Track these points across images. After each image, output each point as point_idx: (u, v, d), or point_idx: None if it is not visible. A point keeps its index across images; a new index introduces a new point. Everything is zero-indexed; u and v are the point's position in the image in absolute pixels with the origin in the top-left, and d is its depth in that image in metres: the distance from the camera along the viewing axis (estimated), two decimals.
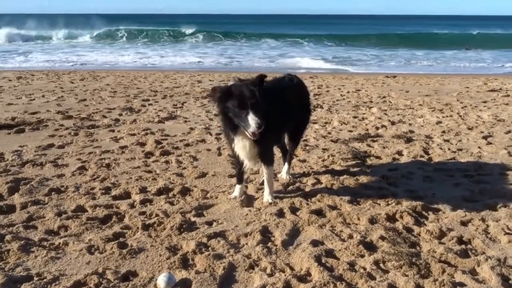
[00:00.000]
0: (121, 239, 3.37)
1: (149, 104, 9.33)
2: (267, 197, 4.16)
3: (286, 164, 4.85)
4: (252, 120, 3.46)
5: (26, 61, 21.15)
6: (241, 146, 3.85)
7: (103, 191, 4.35)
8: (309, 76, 15.16)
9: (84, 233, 3.47)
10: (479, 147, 6.11)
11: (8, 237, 3.31)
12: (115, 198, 4.22)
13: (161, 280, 2.74)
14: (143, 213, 3.86)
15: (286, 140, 4.73)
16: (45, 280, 2.79)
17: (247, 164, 4.03)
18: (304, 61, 22.13)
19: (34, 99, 9.67)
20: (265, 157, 4.04)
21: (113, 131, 6.94)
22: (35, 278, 2.82)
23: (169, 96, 10.41)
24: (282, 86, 4.44)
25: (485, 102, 9.99)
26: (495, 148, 6.05)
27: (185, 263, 3.04)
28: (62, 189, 4.41)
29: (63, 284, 2.75)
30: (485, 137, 6.67)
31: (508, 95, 10.93)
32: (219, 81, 13.55)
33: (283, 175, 4.82)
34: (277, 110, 3.91)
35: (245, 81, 3.77)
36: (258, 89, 3.58)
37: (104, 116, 8.00)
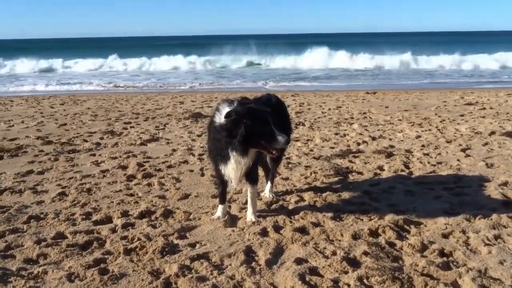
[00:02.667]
0: (102, 265, 3.30)
1: (130, 127, 9.28)
2: (250, 216, 4.16)
3: (269, 182, 4.87)
4: (281, 137, 3.68)
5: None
6: (235, 167, 3.82)
7: (84, 217, 4.28)
8: (291, 94, 15.34)
9: (64, 261, 3.40)
10: (458, 160, 6.23)
11: None
12: (96, 223, 4.15)
13: None
14: (124, 237, 3.80)
15: (268, 159, 4.75)
16: None
17: (233, 184, 4.03)
18: None
19: (13, 125, 9.54)
20: (251, 176, 4.10)
21: (94, 155, 6.87)
22: None
23: (151, 118, 10.39)
24: (263, 106, 4.47)
25: (462, 115, 10.22)
26: (473, 160, 6.18)
27: (168, 287, 3.00)
28: (42, 216, 4.32)
29: None
30: (463, 150, 6.81)
31: (484, 108, 11.22)
32: (201, 101, 13.60)
33: (266, 193, 4.83)
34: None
35: (250, 102, 3.99)
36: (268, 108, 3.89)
37: (85, 140, 7.92)
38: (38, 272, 3.20)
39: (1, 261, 3.38)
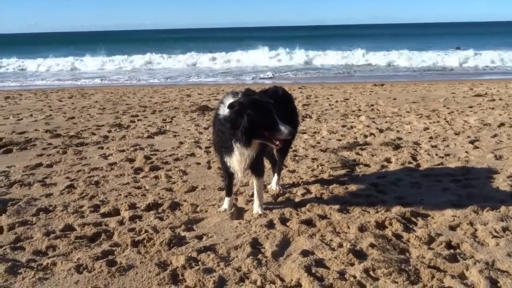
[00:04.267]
0: (110, 257, 3.34)
1: (138, 120, 9.32)
2: (257, 208, 4.17)
3: (276, 175, 4.87)
4: (284, 127, 3.66)
5: None
6: (239, 159, 3.84)
7: (92, 209, 4.32)
8: (298, 87, 15.28)
9: (73, 252, 3.44)
10: (466, 152, 6.18)
11: None
12: (104, 215, 4.19)
13: None
14: (132, 229, 3.83)
15: (274, 151, 4.74)
16: None
17: (239, 176, 4.05)
18: None
19: (22, 119, 9.62)
20: (257, 169, 4.09)
21: (102, 148, 6.92)
22: None
23: (158, 111, 10.41)
24: (269, 98, 4.45)
25: (471, 107, 10.12)
26: (482, 152, 6.12)
27: (175, 278, 3.03)
28: (50, 208, 4.37)
29: None
30: (472, 142, 6.75)
31: (493, 100, 11.09)
32: (208, 94, 13.60)
33: (273, 186, 4.83)
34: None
35: (255, 94, 3.94)
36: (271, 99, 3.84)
37: (93, 133, 7.97)
38: (47, 263, 3.24)
39: (11, 253, 3.43)
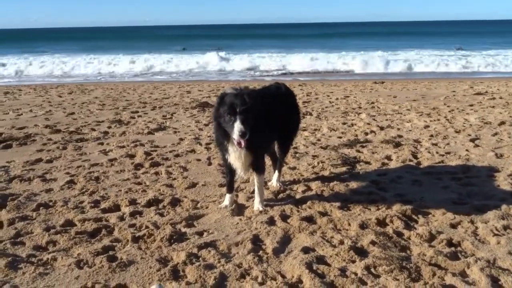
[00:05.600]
0: (111, 252, 3.33)
1: (138, 116, 9.30)
2: (257, 205, 4.16)
3: (277, 172, 4.86)
4: (236, 127, 3.52)
5: None
6: (237, 156, 3.86)
7: (92, 205, 4.32)
8: (298, 84, 15.26)
9: (73, 248, 3.43)
10: (466, 150, 6.17)
11: None
12: (104, 211, 4.18)
13: None
14: (133, 225, 3.82)
15: (276, 148, 4.74)
16: None
17: (240, 173, 4.04)
18: None
19: (21, 114, 9.60)
20: (257, 166, 4.07)
21: (102, 144, 6.90)
22: None
23: (158, 107, 10.39)
24: (271, 95, 4.45)
25: (471, 105, 10.11)
26: (482, 151, 6.12)
27: (176, 274, 3.02)
28: (51, 203, 4.36)
29: None
30: (472, 140, 6.74)
31: (493, 98, 11.09)
32: (208, 91, 13.57)
33: (274, 183, 4.82)
34: (267, 118, 3.95)
35: (239, 89, 3.83)
36: (249, 97, 3.63)
37: (93, 129, 7.95)
38: (48, 258, 3.23)
39: (11, 248, 3.42)
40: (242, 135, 3.50)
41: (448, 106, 10.00)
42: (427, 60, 24.72)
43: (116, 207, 4.28)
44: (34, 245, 3.48)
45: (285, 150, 4.81)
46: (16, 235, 3.64)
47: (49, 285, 2.90)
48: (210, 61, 25.24)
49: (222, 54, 27.78)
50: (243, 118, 3.53)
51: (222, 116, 3.66)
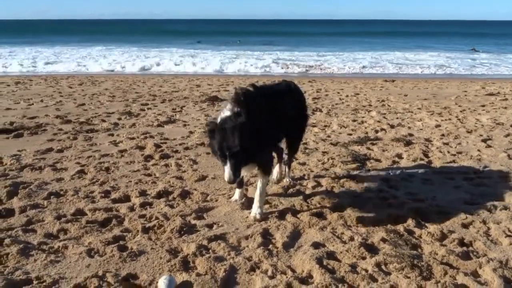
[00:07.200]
0: (121, 242, 3.35)
1: (148, 108, 9.31)
2: (255, 211, 3.83)
3: (286, 167, 4.82)
4: (226, 171, 3.31)
5: None
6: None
7: (103, 195, 4.33)
8: (308, 80, 15.19)
9: (84, 236, 3.45)
10: (478, 150, 6.11)
11: (7, 241, 3.28)
12: (114, 201, 4.20)
13: (162, 282, 2.72)
14: (143, 216, 3.84)
15: (284, 145, 4.59)
16: (44, 283, 2.77)
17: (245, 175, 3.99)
18: None
19: (32, 104, 9.65)
20: (263, 166, 3.81)
21: (112, 135, 6.92)
22: (35, 282, 2.79)
23: (168, 100, 10.40)
24: (278, 93, 4.25)
25: (483, 105, 10.01)
26: (494, 151, 6.06)
27: (186, 265, 3.02)
28: (61, 192, 4.38)
29: (63, 287, 2.73)
30: (484, 140, 6.67)
31: (506, 99, 10.96)
32: (217, 85, 13.56)
33: (274, 176, 4.56)
34: (274, 116, 3.80)
35: (229, 116, 3.40)
36: (241, 130, 3.29)
37: (103, 120, 7.98)
38: (59, 246, 3.26)
39: (23, 235, 3.44)
40: (230, 181, 3.34)
41: (459, 106, 9.90)
42: (441, 60, 24.48)
43: (126, 198, 4.29)
44: (45, 233, 3.50)
45: (293, 149, 4.63)
46: (27, 223, 3.67)
47: (60, 273, 2.91)
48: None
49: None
50: (234, 162, 3.29)
51: (213, 150, 3.50)
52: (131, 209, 4.00)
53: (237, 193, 4.24)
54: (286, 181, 4.74)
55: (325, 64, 22.17)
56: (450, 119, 8.37)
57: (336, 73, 19.79)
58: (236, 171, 3.30)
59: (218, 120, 3.44)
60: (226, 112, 3.46)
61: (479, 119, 8.38)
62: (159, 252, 3.18)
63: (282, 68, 20.96)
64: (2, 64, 20.37)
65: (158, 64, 21.30)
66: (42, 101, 10.09)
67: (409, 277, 2.86)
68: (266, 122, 3.63)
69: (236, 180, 3.39)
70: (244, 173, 3.73)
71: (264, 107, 3.69)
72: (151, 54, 27.01)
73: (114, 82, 14.24)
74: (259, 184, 3.88)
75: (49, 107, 9.35)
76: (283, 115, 4.04)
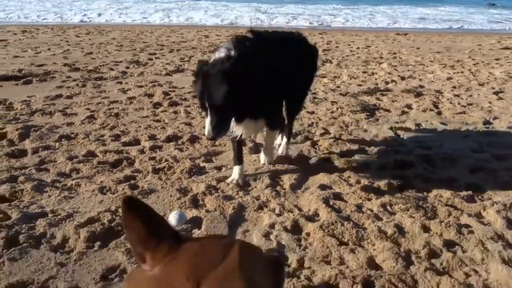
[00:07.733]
0: (132, 181, 3.42)
1: (156, 58, 9.22)
2: (263, 160, 3.72)
3: (285, 137, 4.01)
4: (206, 125, 2.86)
5: None
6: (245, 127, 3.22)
7: (113, 138, 4.38)
8: (318, 32, 14.86)
9: (96, 176, 3.53)
10: (489, 102, 6.04)
11: (21, 178, 3.37)
12: (125, 144, 4.25)
13: (173, 217, 2.80)
14: (153, 158, 3.90)
15: (283, 109, 3.74)
16: (59, 216, 2.86)
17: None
18: None
19: (40, 52, 9.58)
20: (272, 118, 3.41)
21: (120, 83, 6.91)
22: (50, 215, 2.89)
23: (176, 50, 10.28)
24: (282, 40, 3.64)
25: (497, 59, 9.78)
26: (505, 103, 5.99)
27: (196, 203, 3.11)
28: (72, 136, 4.44)
29: (77, 220, 2.82)
30: (496, 93, 6.58)
31: None
32: (226, 36, 13.32)
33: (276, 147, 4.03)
34: (276, 67, 3.23)
35: (218, 61, 2.89)
36: (228, 79, 2.76)
37: (111, 69, 7.94)
38: (72, 184, 3.34)
39: (36, 173, 3.52)
40: (210, 138, 2.88)
41: (473, 60, 9.69)
42: (457, 15, 23.72)
43: (136, 141, 4.34)
44: (58, 172, 3.58)
45: (294, 110, 3.94)
46: (40, 163, 3.74)
47: (74, 207, 3.01)
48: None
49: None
50: (215, 116, 2.79)
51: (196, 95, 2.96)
52: (141, 151, 4.06)
53: (236, 171, 3.45)
54: (282, 153, 3.97)
55: (338, 18, 21.61)
56: (462, 72, 8.21)
57: (348, 26, 19.31)
58: (217, 126, 2.80)
59: (211, 61, 2.93)
60: (221, 52, 2.94)
61: (492, 72, 8.22)
62: (169, 190, 3.25)
63: (293, 21, 20.48)
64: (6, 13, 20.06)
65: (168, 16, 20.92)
66: (49, 49, 10.00)
67: (413, 217, 2.92)
68: (269, 72, 3.08)
69: (217, 138, 2.96)
70: (239, 132, 3.21)
71: (266, 55, 3.15)
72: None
73: (121, 32, 14.02)
74: (266, 137, 3.61)
75: (56, 55, 9.29)
76: (286, 67, 3.40)
